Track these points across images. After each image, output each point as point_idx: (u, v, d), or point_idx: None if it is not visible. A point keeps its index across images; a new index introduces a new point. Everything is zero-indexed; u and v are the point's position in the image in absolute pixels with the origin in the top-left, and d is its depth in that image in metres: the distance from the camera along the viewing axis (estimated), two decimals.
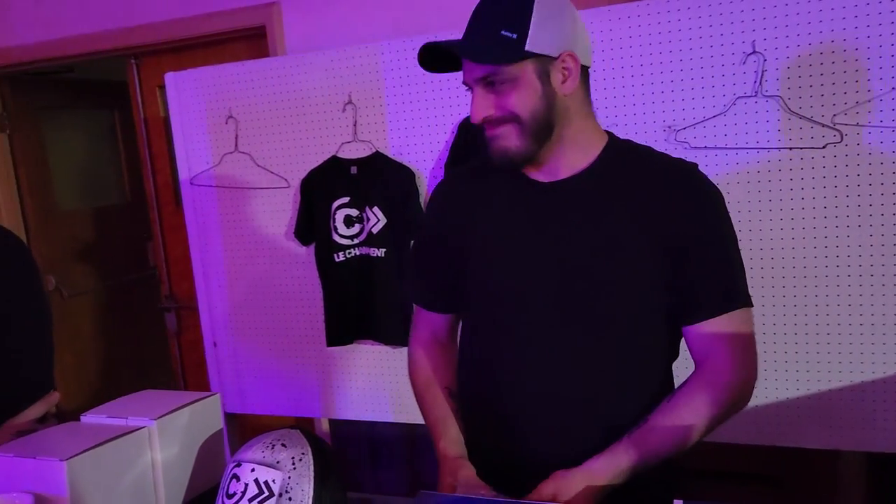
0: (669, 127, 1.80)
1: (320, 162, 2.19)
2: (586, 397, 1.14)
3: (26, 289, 1.19)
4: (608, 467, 1.07)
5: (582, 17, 1.81)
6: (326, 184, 2.19)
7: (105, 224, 3.58)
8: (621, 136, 1.82)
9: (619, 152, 1.18)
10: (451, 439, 1.24)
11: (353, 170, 2.16)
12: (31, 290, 1.19)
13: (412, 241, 1.62)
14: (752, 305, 1.16)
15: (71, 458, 0.87)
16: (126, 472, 0.94)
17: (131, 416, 0.99)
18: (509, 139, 1.11)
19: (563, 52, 1.08)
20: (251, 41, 2.58)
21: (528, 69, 1.07)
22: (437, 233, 1.31)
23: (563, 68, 1.09)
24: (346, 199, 2.18)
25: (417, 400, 1.34)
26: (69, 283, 3.34)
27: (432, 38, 1.28)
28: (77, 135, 3.51)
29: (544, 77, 1.08)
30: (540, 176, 1.18)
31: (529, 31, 1.05)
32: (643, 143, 1.80)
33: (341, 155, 2.17)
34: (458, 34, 1.14)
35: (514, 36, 1.05)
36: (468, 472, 1.18)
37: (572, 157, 1.16)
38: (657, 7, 1.77)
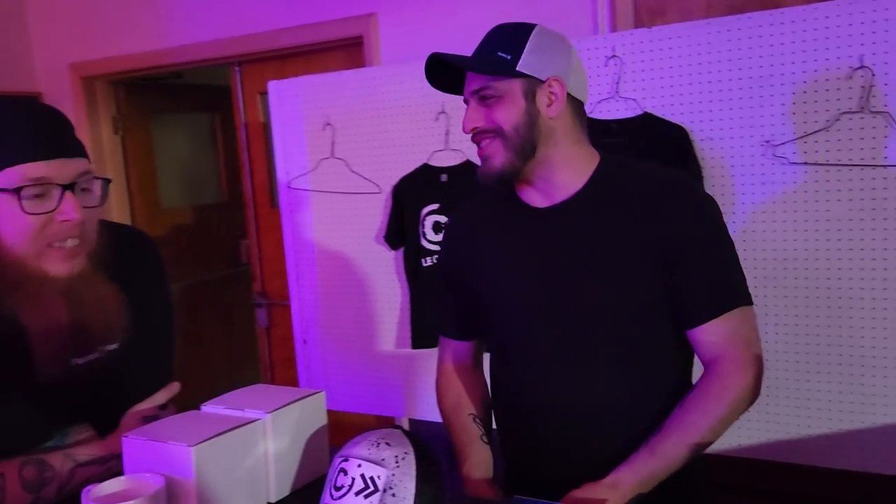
0: (767, 142, 1.78)
1: (412, 169, 2.26)
2: (602, 407, 1.21)
3: (160, 285, 1.29)
4: (631, 477, 1.12)
5: (679, 30, 1.83)
6: (417, 190, 2.25)
7: (203, 221, 3.77)
8: (716, 150, 1.83)
9: (611, 170, 1.25)
10: (476, 463, 1.31)
11: (444, 177, 2.21)
12: (163, 287, 1.30)
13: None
14: (752, 304, 1.21)
15: (197, 444, 0.94)
16: (243, 459, 1.02)
17: (247, 409, 1.06)
18: (495, 156, 1.20)
19: (550, 78, 1.18)
20: (349, 50, 2.68)
21: (515, 86, 1.17)
22: (450, 264, 1.40)
23: (550, 92, 1.19)
24: (435, 206, 2.23)
25: (445, 424, 1.41)
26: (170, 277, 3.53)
27: None
28: (180, 137, 3.71)
29: (530, 96, 1.18)
30: (538, 200, 1.26)
31: (522, 55, 1.17)
32: (739, 157, 1.81)
33: (432, 163, 2.23)
34: None
35: (508, 57, 1.17)
36: (493, 494, 1.26)
37: (565, 178, 1.23)
38: (759, 21, 1.75)
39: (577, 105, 1.23)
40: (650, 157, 1.84)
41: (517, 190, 1.28)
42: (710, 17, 1.85)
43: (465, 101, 1.23)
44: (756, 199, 1.80)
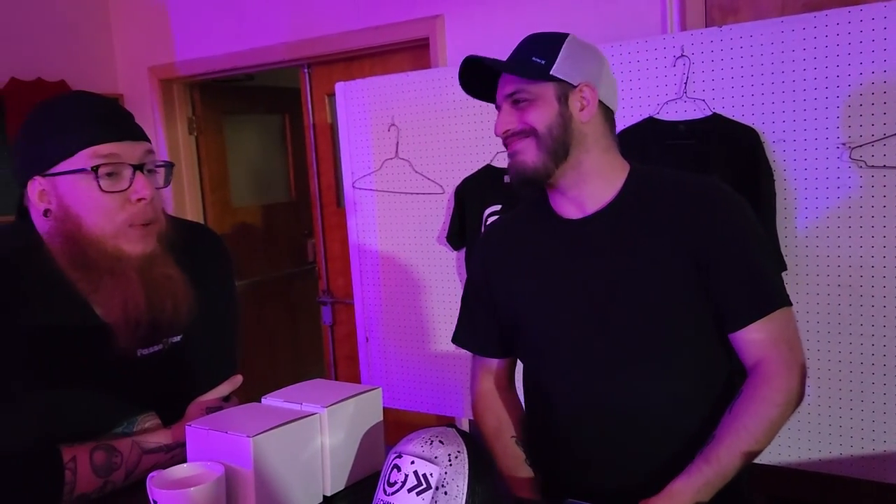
0: (844, 144, 1.71)
1: (475, 170, 2.26)
2: (643, 411, 1.20)
3: (225, 279, 1.34)
4: (687, 487, 1.11)
5: (751, 29, 1.77)
6: (479, 191, 2.26)
7: (271, 220, 3.88)
8: (789, 153, 1.77)
9: (642, 179, 1.25)
10: (526, 487, 1.32)
11: (507, 178, 2.20)
12: (228, 280, 1.35)
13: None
14: (791, 305, 1.19)
15: (256, 435, 0.97)
16: (300, 452, 1.04)
17: (305, 403, 1.08)
18: (526, 153, 1.21)
19: (582, 83, 1.21)
20: (415, 52, 2.71)
21: (548, 90, 1.20)
22: (482, 281, 1.39)
23: (582, 97, 1.21)
24: (497, 207, 2.23)
25: (488, 447, 1.41)
26: (238, 273, 3.64)
27: None
28: (251, 137, 3.83)
29: (563, 100, 1.20)
30: (570, 211, 1.26)
31: (556, 61, 1.20)
32: (813, 160, 1.75)
33: (495, 164, 2.23)
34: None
35: (543, 62, 1.20)
36: (539, 496, 1.27)
37: (597, 187, 1.24)
38: (836, 18, 1.68)
39: (607, 113, 1.26)
40: (719, 159, 1.80)
41: (550, 202, 1.29)
42: (784, 15, 1.79)
43: (497, 107, 1.26)
44: (830, 203, 1.73)
